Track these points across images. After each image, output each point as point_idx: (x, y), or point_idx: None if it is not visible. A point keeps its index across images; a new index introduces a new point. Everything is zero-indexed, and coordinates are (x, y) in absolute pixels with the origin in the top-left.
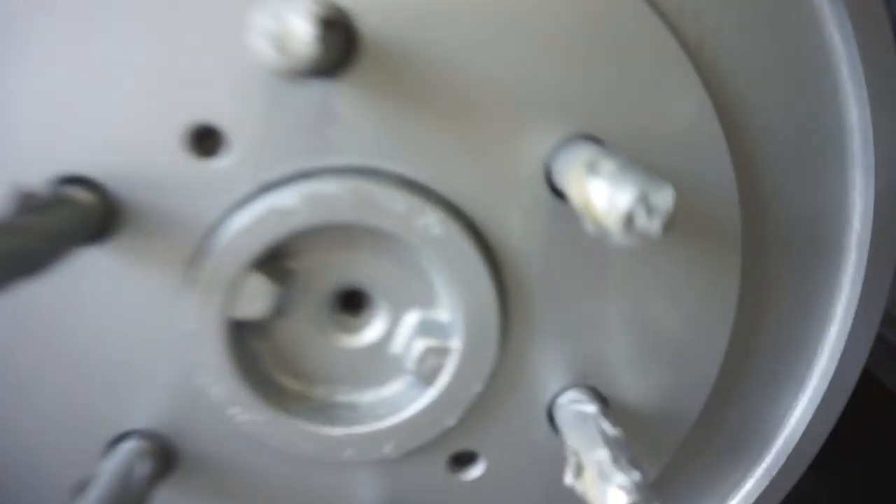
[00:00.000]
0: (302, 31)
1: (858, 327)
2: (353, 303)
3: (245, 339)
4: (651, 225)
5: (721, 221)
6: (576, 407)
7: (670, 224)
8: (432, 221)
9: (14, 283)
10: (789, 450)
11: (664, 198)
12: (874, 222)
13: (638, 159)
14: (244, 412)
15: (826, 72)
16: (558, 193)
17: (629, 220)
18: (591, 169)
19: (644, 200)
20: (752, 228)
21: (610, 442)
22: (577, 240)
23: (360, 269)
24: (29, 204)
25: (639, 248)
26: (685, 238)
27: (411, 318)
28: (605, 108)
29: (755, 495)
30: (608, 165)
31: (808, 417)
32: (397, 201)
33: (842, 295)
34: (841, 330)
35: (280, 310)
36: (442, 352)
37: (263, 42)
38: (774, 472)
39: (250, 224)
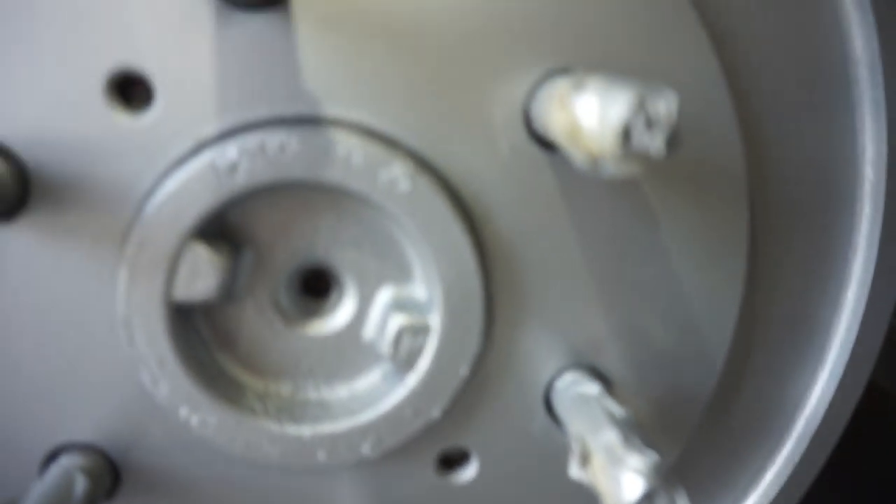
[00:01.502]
0: None
1: (878, 289)
2: (316, 283)
3: (192, 326)
4: (653, 140)
5: (724, 172)
6: (576, 389)
7: (675, 139)
8: (398, 175)
9: None
10: (811, 432)
11: (666, 104)
12: (888, 170)
13: None
14: (196, 413)
15: (824, 1)
16: (541, 142)
17: (626, 136)
18: (578, 86)
19: (642, 109)
20: (757, 181)
21: (619, 422)
22: (567, 196)
23: (321, 243)
24: None
25: (641, 172)
26: (685, 191)
27: (384, 296)
28: (590, 40)
29: (776, 488)
30: (596, 79)
31: (830, 395)
32: (356, 152)
33: (857, 254)
34: (859, 293)
35: (232, 293)
36: (420, 331)
37: None
38: (796, 460)
39: (186, 185)
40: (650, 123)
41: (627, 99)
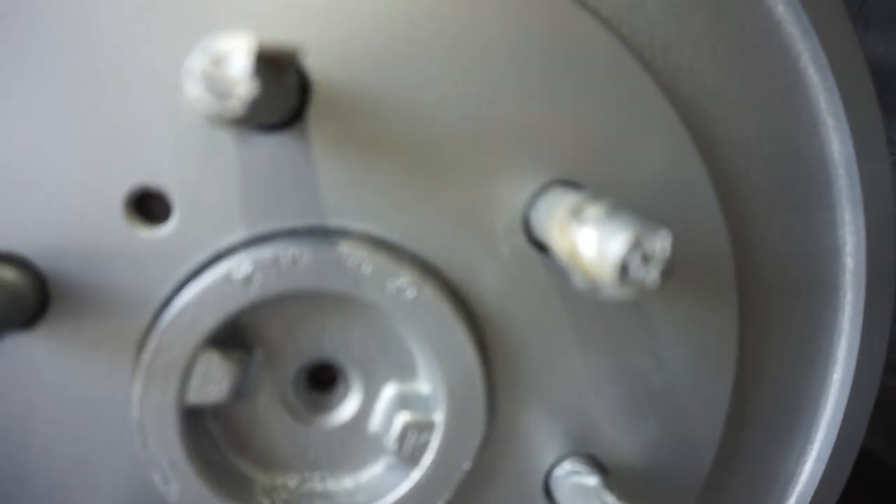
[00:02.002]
0: (238, 68)
1: (862, 370)
2: (322, 378)
3: (203, 425)
4: (648, 274)
5: (713, 266)
6: (575, 479)
7: (669, 272)
8: (405, 284)
9: None
10: None
11: (661, 243)
12: (867, 259)
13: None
14: None
15: (804, 106)
16: (538, 245)
17: (623, 270)
18: (577, 215)
19: (639, 247)
20: (745, 273)
21: None
22: (562, 294)
23: (328, 341)
24: None
25: (634, 300)
26: (677, 286)
27: (389, 392)
28: (583, 151)
29: None
30: (595, 210)
31: (820, 472)
32: (365, 263)
33: (842, 338)
34: (845, 375)
35: (241, 390)
36: (425, 427)
37: (196, 85)
38: None
39: (201, 297)
40: (646, 259)
41: (625, 237)
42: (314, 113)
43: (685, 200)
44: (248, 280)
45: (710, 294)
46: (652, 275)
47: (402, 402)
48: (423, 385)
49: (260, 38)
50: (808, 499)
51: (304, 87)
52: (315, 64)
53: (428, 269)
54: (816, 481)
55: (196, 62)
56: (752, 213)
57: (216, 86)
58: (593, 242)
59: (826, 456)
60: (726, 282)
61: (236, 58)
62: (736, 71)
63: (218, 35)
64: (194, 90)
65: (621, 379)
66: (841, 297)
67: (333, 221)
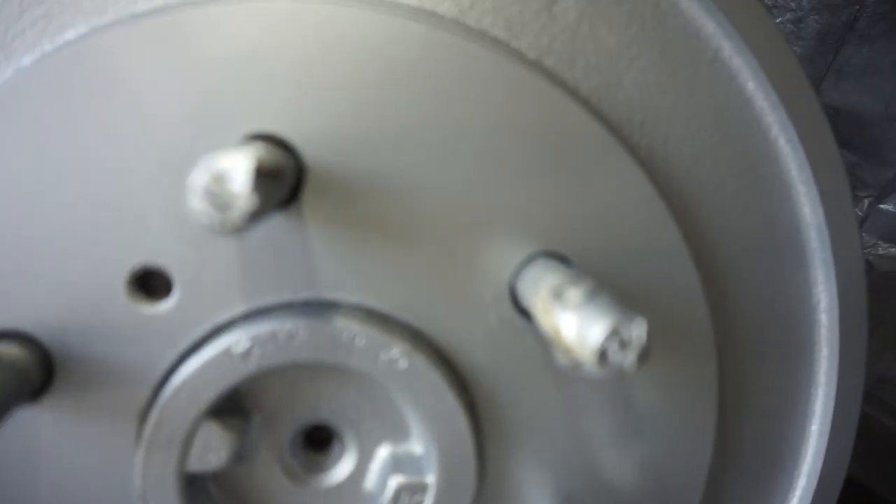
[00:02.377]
0: (241, 190)
1: (840, 421)
2: (318, 438)
3: (203, 489)
4: (625, 359)
5: (691, 329)
6: None
7: (645, 355)
8: (397, 355)
9: None
10: None
11: (638, 330)
12: (840, 316)
13: (601, 272)
14: None
15: (776, 174)
16: (525, 313)
17: (602, 355)
18: (559, 298)
19: (616, 334)
20: (723, 334)
21: None
22: (548, 360)
23: (324, 404)
24: None
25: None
26: (658, 350)
27: (383, 453)
28: (564, 224)
29: None
30: (575, 294)
31: None
32: (358, 337)
33: (819, 390)
34: (822, 426)
35: (239, 455)
36: (418, 489)
37: (203, 204)
38: None
39: (202, 371)
40: (623, 345)
41: (604, 325)
42: (309, 194)
43: (663, 267)
44: (246, 354)
45: (689, 357)
46: (629, 359)
47: (396, 463)
48: (416, 446)
49: (259, 156)
50: None
51: (299, 171)
52: (310, 150)
53: (419, 339)
54: None
55: (199, 179)
56: (728, 276)
57: (218, 200)
58: (573, 327)
59: (808, 501)
60: (705, 344)
61: (237, 175)
62: (709, 143)
63: (219, 153)
64: (197, 204)
65: (604, 440)
66: (817, 353)
67: (328, 294)
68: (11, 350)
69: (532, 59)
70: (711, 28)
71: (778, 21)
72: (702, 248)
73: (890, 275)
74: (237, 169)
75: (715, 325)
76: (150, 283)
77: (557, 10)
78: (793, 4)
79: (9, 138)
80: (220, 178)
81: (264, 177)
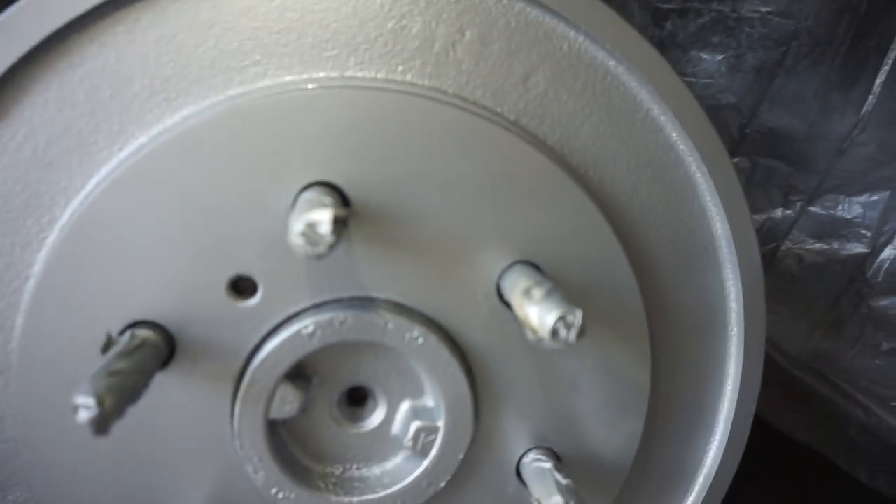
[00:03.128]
0: (326, 233)
1: (747, 381)
2: (358, 397)
3: (278, 432)
4: (570, 335)
5: (631, 318)
6: (536, 464)
7: (582, 334)
8: (417, 335)
9: (124, 410)
10: (708, 484)
11: (577, 318)
12: (744, 303)
13: (563, 278)
14: (283, 491)
15: (694, 199)
16: (507, 304)
17: (554, 333)
18: (527, 296)
19: (563, 320)
20: (655, 320)
21: (563, 489)
22: (523, 337)
23: (363, 372)
24: (111, 346)
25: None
26: (606, 332)
27: (405, 406)
28: (535, 241)
29: None
30: (538, 293)
31: (719, 458)
32: (390, 322)
33: (731, 359)
34: (734, 386)
35: (303, 407)
36: (432, 430)
37: (299, 240)
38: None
39: (279, 347)
40: (568, 327)
41: (555, 314)
42: (353, 221)
43: (608, 270)
44: (311, 335)
45: (628, 334)
46: (572, 335)
47: (415, 412)
48: (429, 400)
49: (335, 211)
50: (713, 475)
51: (346, 204)
52: (353, 191)
53: (432, 324)
54: (717, 462)
55: (299, 226)
56: (658, 275)
57: (311, 240)
58: (536, 316)
59: (724, 443)
60: (639, 325)
61: (322, 224)
62: (644, 177)
63: (312, 210)
64: (297, 242)
65: (566, 396)
66: (728, 331)
67: (368, 293)
68: (149, 334)
69: (512, 119)
70: (644, 95)
71: (721, 57)
72: (639, 256)
73: (817, 266)
74: (322, 220)
75: (648, 312)
76: (242, 286)
77: (530, 83)
78: (734, 43)
79: (152, 189)
80: (312, 226)
81: (336, 222)
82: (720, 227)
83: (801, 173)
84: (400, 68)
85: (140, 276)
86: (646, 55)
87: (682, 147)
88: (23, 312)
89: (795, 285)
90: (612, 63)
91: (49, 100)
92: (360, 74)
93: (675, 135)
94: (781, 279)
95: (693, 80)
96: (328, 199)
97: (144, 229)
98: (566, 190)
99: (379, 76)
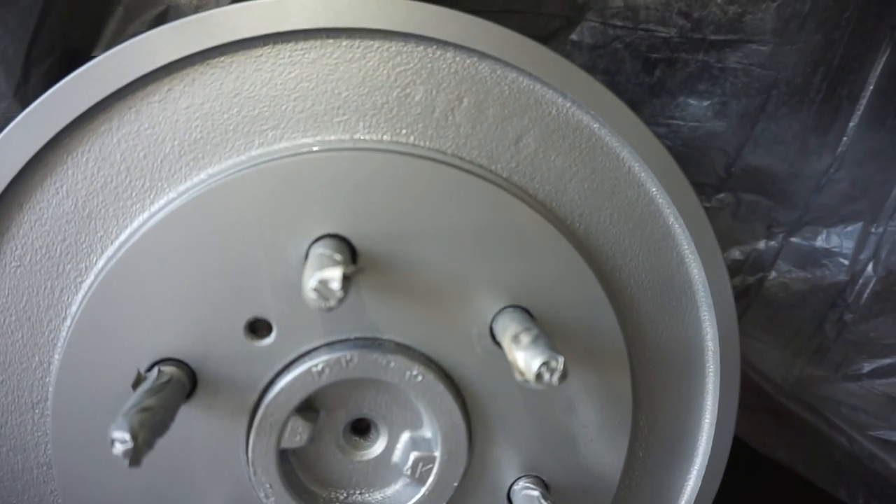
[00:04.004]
0: (336, 290)
1: (724, 414)
2: (362, 427)
3: (288, 460)
4: (552, 378)
5: (613, 357)
6: (526, 491)
7: (564, 377)
8: (416, 373)
9: (155, 443)
10: None
11: (559, 364)
12: (720, 342)
13: (551, 321)
14: None
15: (672, 247)
16: (499, 344)
17: (539, 377)
18: (515, 341)
19: (547, 366)
20: (637, 359)
21: None
22: (513, 375)
23: (366, 405)
24: (141, 381)
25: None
26: (590, 372)
27: (405, 437)
28: (525, 288)
29: None
30: (525, 340)
31: (699, 485)
32: (392, 360)
33: (709, 394)
34: (711, 419)
35: (311, 437)
36: (429, 459)
37: (312, 295)
38: None
39: (291, 383)
40: (551, 371)
41: (539, 360)
42: (355, 267)
43: (592, 313)
44: (320, 373)
45: (610, 373)
46: (555, 378)
47: (414, 443)
48: (427, 432)
49: (343, 269)
50: (693, 501)
51: (353, 253)
52: (360, 243)
53: (430, 363)
54: (697, 489)
55: (313, 282)
56: (639, 317)
57: (323, 294)
58: (523, 360)
59: (703, 471)
60: (621, 364)
61: (333, 281)
62: (626, 228)
63: (324, 268)
64: (311, 296)
65: (554, 428)
66: (706, 368)
67: (372, 334)
68: (174, 370)
69: (505, 176)
70: (626, 154)
71: (707, 103)
72: (621, 299)
73: (801, 293)
74: (333, 278)
75: (630, 351)
76: (258, 327)
77: (522, 145)
78: (719, 91)
79: (180, 240)
80: (324, 283)
81: (346, 278)
82: (697, 272)
83: (783, 207)
84: (404, 131)
85: (166, 318)
86: (626, 119)
87: (660, 200)
88: (59, 349)
89: (782, 313)
90: (596, 126)
91: (90, 159)
92: (367, 137)
93: (654, 190)
94: (769, 307)
95: (682, 122)
96: (339, 256)
97: (172, 275)
98: (554, 241)
99: (385, 138)
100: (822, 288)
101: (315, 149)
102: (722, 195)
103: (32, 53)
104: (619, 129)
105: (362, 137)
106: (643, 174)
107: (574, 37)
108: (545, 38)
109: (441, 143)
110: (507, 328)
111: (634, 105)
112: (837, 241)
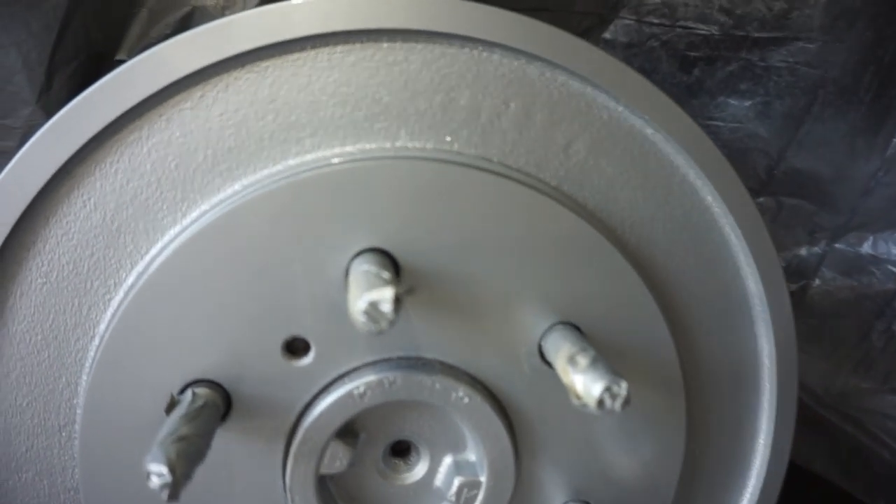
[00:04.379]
0: (387, 312)
1: (780, 435)
2: (402, 449)
3: (327, 486)
4: (615, 404)
5: (667, 375)
6: None
7: (627, 403)
8: (462, 394)
9: (193, 474)
10: None
11: (622, 389)
12: (777, 360)
13: (602, 337)
14: None
15: (728, 259)
16: (548, 363)
17: (600, 403)
18: (572, 363)
19: (609, 391)
20: (690, 377)
21: None
22: (563, 396)
23: (408, 427)
24: (174, 406)
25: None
26: (642, 392)
27: (448, 460)
28: (575, 303)
29: None
30: (582, 362)
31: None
32: (437, 382)
33: (763, 414)
34: (766, 440)
35: (351, 462)
36: (475, 485)
37: (361, 318)
38: None
39: (331, 407)
40: (613, 396)
41: (601, 385)
42: (403, 286)
43: (646, 331)
44: (362, 395)
45: (664, 393)
46: (617, 405)
47: (457, 467)
48: (472, 455)
49: (395, 289)
50: None
51: (396, 269)
52: (404, 255)
53: (476, 383)
54: None
55: (362, 304)
56: (694, 334)
57: (373, 317)
58: (582, 385)
59: (757, 495)
60: (675, 383)
61: (384, 303)
62: (679, 239)
63: (374, 289)
64: (360, 319)
65: (603, 451)
66: (761, 386)
67: (416, 353)
68: (208, 392)
69: (553, 185)
70: (680, 160)
71: (749, 103)
72: (674, 314)
73: (846, 302)
74: (384, 300)
75: (684, 370)
76: (295, 347)
77: (571, 151)
78: (761, 91)
79: (214, 255)
80: (374, 305)
81: (398, 301)
82: (753, 286)
83: (827, 212)
84: (448, 138)
85: (200, 337)
86: (682, 123)
87: (716, 210)
88: (88, 370)
89: (826, 323)
90: (649, 131)
91: (119, 170)
92: (410, 145)
93: (710, 198)
94: (812, 317)
95: (721, 124)
96: (386, 274)
97: (205, 293)
98: (604, 253)
99: (428, 146)
100: (868, 296)
101: (355, 157)
102: (762, 199)
103: (56, 58)
104: (674, 134)
105: (404, 145)
106: (699, 182)
107: (607, 35)
108: (577, 36)
109: (487, 151)
110: (560, 348)
111: None
112: (885, 247)
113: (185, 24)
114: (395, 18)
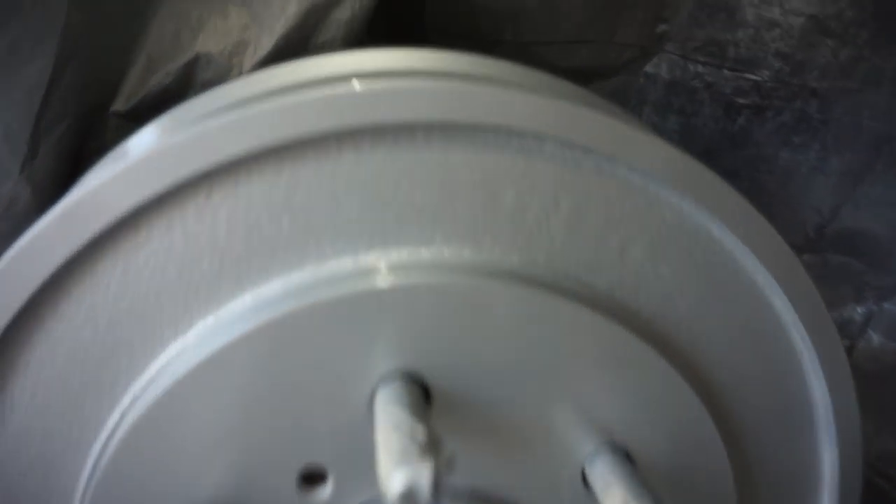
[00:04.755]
0: (425, 495)
1: None
2: None
3: None
4: None
5: (719, 494)
6: None
7: None
8: None
9: None
10: None
11: None
12: (840, 472)
13: (653, 460)
14: None
15: (795, 369)
16: (591, 488)
17: None
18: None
19: None
20: (746, 490)
21: None
22: None
23: None
24: None
25: None
26: (693, 498)
27: None
28: (623, 423)
29: None
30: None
31: None
32: None
33: None
34: None
35: None
36: None
37: (397, 501)
38: None
39: None
40: None
41: None
42: (434, 411)
43: (700, 452)
44: None
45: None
46: None
47: None
48: None
49: (435, 467)
50: None
51: (426, 393)
52: (434, 377)
53: None
54: None
55: (397, 485)
56: (751, 450)
57: (408, 499)
58: None
59: None
60: (730, 498)
61: (422, 488)
62: (744, 348)
63: (406, 463)
64: (393, 500)
65: None
66: (819, 498)
67: (451, 480)
68: None
69: (604, 291)
70: (749, 263)
71: (803, 157)
72: (731, 429)
73: (891, 366)
74: (422, 484)
75: (737, 482)
76: (312, 477)
77: (627, 255)
78: (818, 144)
79: (222, 378)
80: (412, 488)
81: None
82: (820, 395)
83: (876, 271)
84: (488, 242)
85: (206, 466)
86: (754, 224)
87: (786, 318)
88: (80, 499)
89: (868, 385)
90: (715, 231)
91: (112, 282)
92: (446, 251)
93: (779, 303)
94: (855, 379)
95: (769, 176)
96: (422, 435)
97: (213, 417)
98: (660, 370)
99: (466, 253)
100: None
101: (382, 270)
102: (806, 256)
103: (42, 123)
104: (744, 236)
105: (439, 251)
106: (767, 286)
107: (649, 69)
108: (617, 69)
109: (533, 255)
110: (609, 487)
111: (711, 154)
112: None
113: (187, 72)
114: (432, 109)
